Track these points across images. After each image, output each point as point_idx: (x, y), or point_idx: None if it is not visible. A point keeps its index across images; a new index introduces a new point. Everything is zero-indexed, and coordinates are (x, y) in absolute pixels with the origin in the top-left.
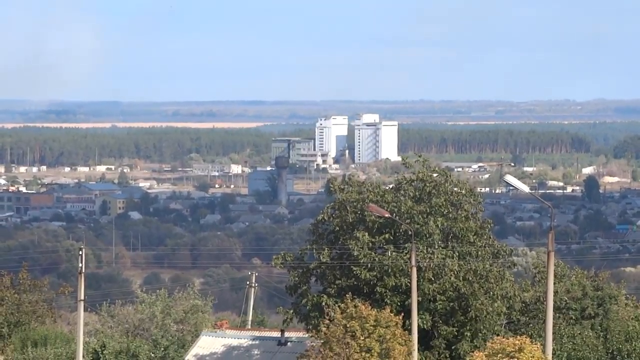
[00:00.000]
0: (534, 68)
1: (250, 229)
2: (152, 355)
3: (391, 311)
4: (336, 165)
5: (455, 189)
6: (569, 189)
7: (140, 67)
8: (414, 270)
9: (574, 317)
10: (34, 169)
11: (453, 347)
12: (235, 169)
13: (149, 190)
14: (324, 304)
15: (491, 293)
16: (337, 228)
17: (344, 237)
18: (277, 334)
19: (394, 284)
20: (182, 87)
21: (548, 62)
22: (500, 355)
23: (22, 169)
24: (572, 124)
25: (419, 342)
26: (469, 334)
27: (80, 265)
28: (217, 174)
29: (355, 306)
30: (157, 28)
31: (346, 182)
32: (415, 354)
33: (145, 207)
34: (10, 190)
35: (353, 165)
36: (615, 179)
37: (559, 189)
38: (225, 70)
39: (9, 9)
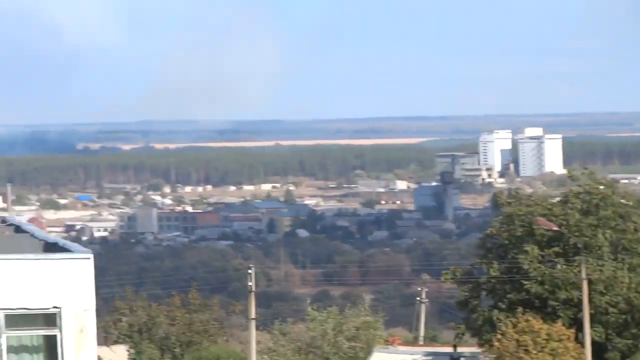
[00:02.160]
0: None
1: (418, 245)
2: None
3: (563, 324)
4: (501, 180)
5: (622, 200)
6: None
7: (301, 84)
8: (585, 283)
9: None
10: (199, 189)
11: None
12: (401, 184)
13: (315, 208)
14: (495, 318)
15: None
16: (506, 242)
17: (513, 251)
18: (449, 349)
19: (565, 297)
20: (345, 104)
21: None
22: None
23: (188, 188)
24: None
25: (592, 356)
26: None
27: (250, 284)
28: (382, 190)
29: (527, 320)
30: (317, 46)
31: (513, 195)
32: None
33: (312, 225)
34: (176, 210)
35: (518, 179)
36: None
37: None
38: (388, 85)
39: (178, 32)
